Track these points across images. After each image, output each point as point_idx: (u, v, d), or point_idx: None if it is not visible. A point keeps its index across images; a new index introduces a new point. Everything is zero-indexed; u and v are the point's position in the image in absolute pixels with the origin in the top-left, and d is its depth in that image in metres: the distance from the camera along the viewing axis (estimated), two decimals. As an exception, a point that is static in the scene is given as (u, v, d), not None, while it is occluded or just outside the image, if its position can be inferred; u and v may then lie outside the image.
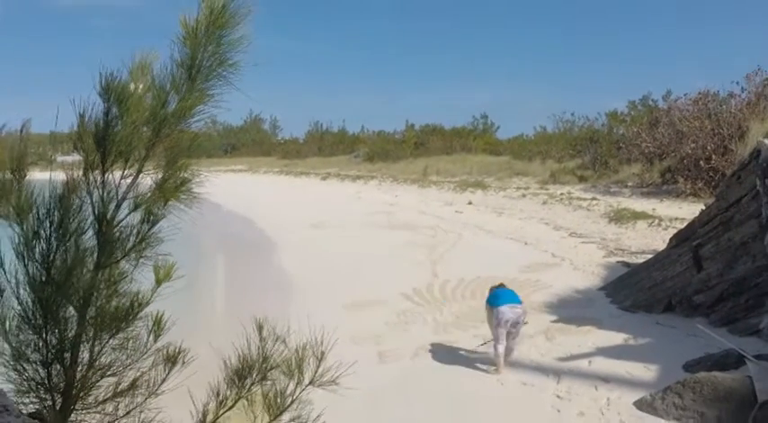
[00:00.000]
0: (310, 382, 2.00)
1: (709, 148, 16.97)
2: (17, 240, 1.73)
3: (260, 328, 2.04)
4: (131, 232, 1.86)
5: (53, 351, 1.77)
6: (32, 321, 1.74)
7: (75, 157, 1.81)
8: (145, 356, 1.96)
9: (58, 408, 1.80)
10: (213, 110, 1.95)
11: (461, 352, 7.27)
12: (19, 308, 1.75)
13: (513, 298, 6.59)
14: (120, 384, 1.93)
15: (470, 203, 21.82)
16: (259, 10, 1.88)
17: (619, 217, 15.40)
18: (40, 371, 1.78)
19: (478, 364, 6.82)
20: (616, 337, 7.29)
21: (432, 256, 13.18)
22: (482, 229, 16.49)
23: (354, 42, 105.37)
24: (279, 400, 1.98)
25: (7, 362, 1.76)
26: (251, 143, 57.66)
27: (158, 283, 2.01)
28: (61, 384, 1.80)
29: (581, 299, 9.22)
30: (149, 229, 1.88)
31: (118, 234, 1.84)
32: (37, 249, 1.73)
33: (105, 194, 1.81)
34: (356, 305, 9.54)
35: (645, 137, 20.28)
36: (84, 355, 1.84)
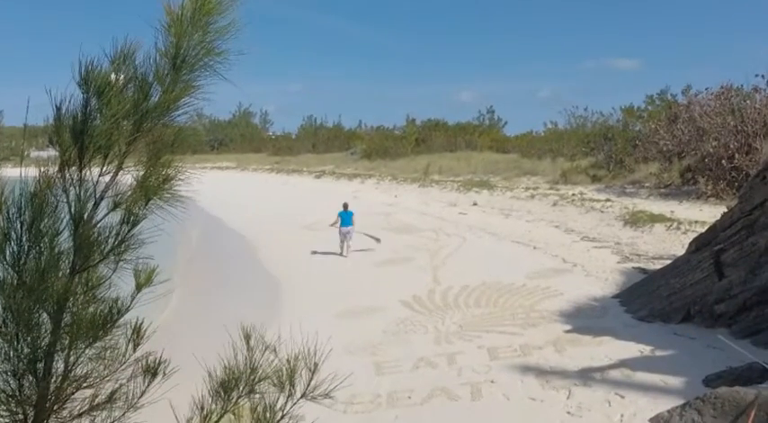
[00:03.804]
0: (302, 396, 2.00)
1: (732, 146, 17.02)
2: (-14, 241, 1.73)
3: (247, 337, 2.04)
4: (110, 233, 1.86)
5: (25, 361, 1.77)
6: (2, 329, 1.74)
7: (51, 153, 1.81)
8: (123, 367, 1.96)
9: (30, 422, 1.80)
10: (199, 102, 1.95)
11: (463, 363, 7.27)
12: (-12, 314, 1.75)
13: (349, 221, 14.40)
14: (97, 397, 1.93)
15: (475, 204, 21.84)
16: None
17: (635, 220, 15.43)
18: (11, 382, 1.78)
19: (482, 374, 6.83)
20: (631, 349, 7.30)
21: (433, 261, 13.19)
22: (487, 232, 16.51)
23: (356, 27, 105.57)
24: (268, 415, 1.98)
25: (-25, 373, 1.76)
26: (240, 138, 57.68)
27: (139, 288, 2.01)
28: (34, 397, 1.80)
29: (594, 307, 9.23)
30: (129, 231, 1.88)
31: (95, 235, 1.84)
32: (8, 251, 1.73)
33: (82, 193, 1.81)
34: (352, 313, 9.54)
35: (663, 134, 20.34)
36: (59, 366, 1.83)
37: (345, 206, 14.85)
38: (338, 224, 14.57)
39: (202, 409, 1.98)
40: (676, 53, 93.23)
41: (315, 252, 15.00)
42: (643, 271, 10.79)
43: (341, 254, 14.50)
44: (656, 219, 14.99)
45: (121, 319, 1.95)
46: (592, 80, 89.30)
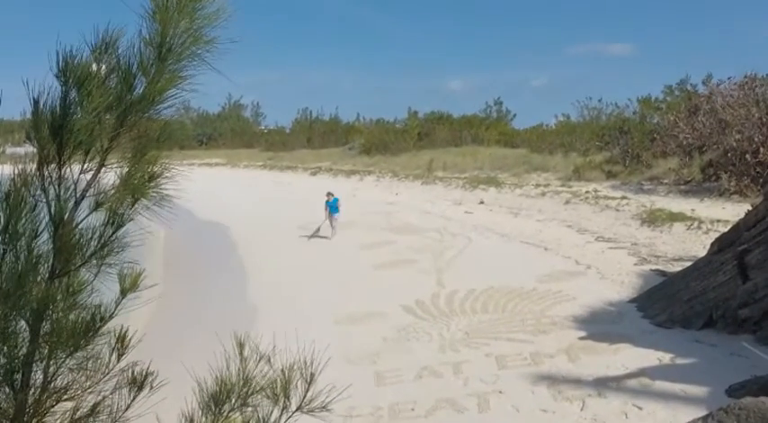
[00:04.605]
0: (298, 408, 2.00)
1: (756, 139, 17.00)
2: (-40, 244, 1.72)
3: (240, 346, 2.03)
4: (92, 235, 1.86)
5: (1, 372, 1.77)
6: (-23, 338, 1.74)
7: (28, 149, 1.81)
8: (107, 378, 1.96)
9: (6, 437, 1.80)
10: (186, 94, 1.95)
11: (469, 372, 7.28)
12: (-38, 322, 1.74)
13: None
14: (78, 410, 1.92)
15: (482, 203, 21.84)
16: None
17: (652, 219, 15.43)
18: (-13, 395, 1.78)
19: (490, 384, 6.84)
20: (649, 357, 7.30)
21: (437, 263, 13.19)
22: (495, 233, 16.51)
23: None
24: (261, 429, 1.98)
25: (-52, 384, 1.76)
26: (230, 133, 57.64)
27: (123, 293, 2.01)
28: (11, 410, 1.80)
29: (609, 312, 9.23)
30: (113, 232, 1.88)
31: (77, 237, 1.83)
32: (-18, 255, 1.73)
33: (62, 192, 1.80)
34: (350, 319, 9.55)
35: (683, 126, 20.30)
36: (38, 377, 1.83)
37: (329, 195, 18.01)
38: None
39: (191, 422, 1.98)
40: (675, 38, 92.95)
41: (312, 253, 15.03)
42: (662, 273, 10.79)
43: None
44: (675, 217, 14.99)
45: (105, 327, 1.94)
46: (585, 67, 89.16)
